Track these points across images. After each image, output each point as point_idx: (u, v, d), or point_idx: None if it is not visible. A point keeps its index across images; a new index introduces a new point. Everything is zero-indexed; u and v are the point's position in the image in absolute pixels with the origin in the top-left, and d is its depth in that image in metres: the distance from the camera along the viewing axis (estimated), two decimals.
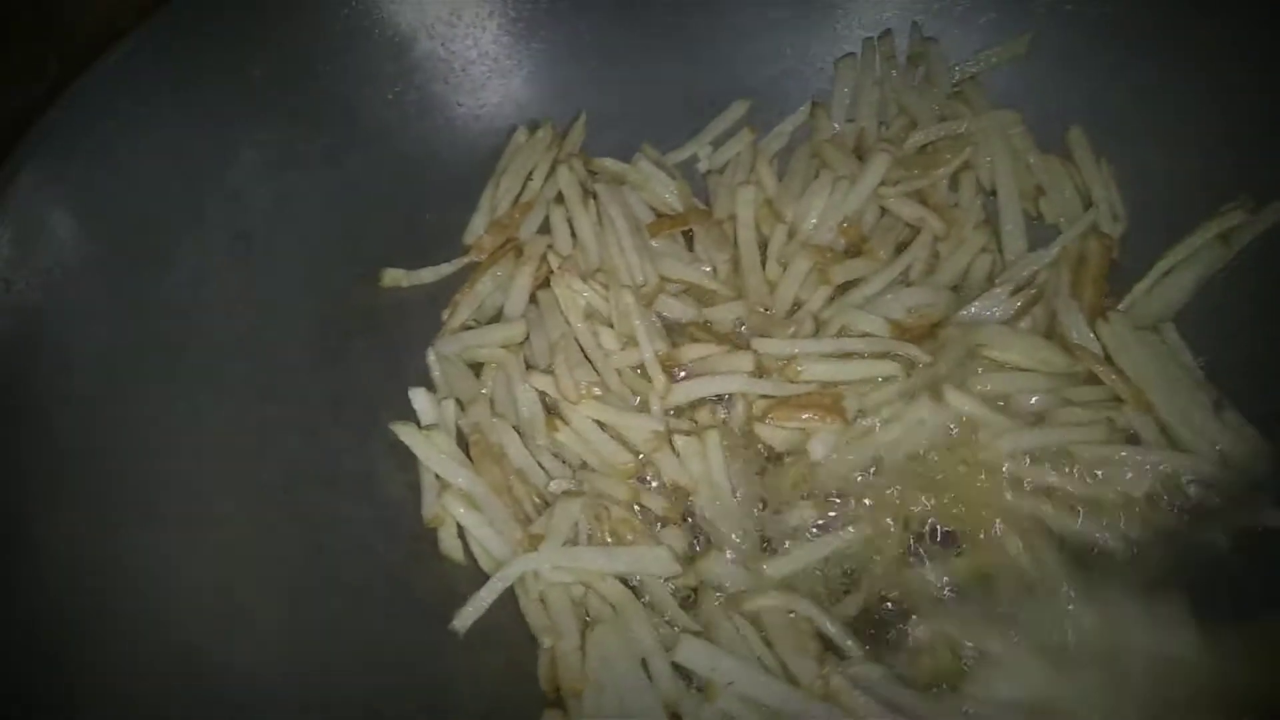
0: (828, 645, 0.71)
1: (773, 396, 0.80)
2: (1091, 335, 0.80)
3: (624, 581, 0.75)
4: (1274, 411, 0.77)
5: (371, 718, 0.67)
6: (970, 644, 0.69)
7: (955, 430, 0.78)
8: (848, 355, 0.81)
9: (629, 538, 0.75)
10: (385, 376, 0.83)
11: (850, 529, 0.76)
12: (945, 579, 0.75)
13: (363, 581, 0.73)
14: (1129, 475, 0.76)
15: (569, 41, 0.93)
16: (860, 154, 0.93)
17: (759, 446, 0.81)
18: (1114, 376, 0.78)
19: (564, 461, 0.81)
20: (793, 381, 0.80)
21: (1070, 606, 0.70)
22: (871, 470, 0.79)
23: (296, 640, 0.68)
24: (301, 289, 0.81)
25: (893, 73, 0.95)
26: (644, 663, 0.70)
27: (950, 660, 0.70)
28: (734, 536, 0.76)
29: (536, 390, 0.82)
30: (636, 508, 0.78)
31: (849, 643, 0.71)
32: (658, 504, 0.78)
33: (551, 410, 0.82)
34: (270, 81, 0.80)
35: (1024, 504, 0.76)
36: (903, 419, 0.78)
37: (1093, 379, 0.80)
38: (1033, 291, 0.85)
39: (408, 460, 0.79)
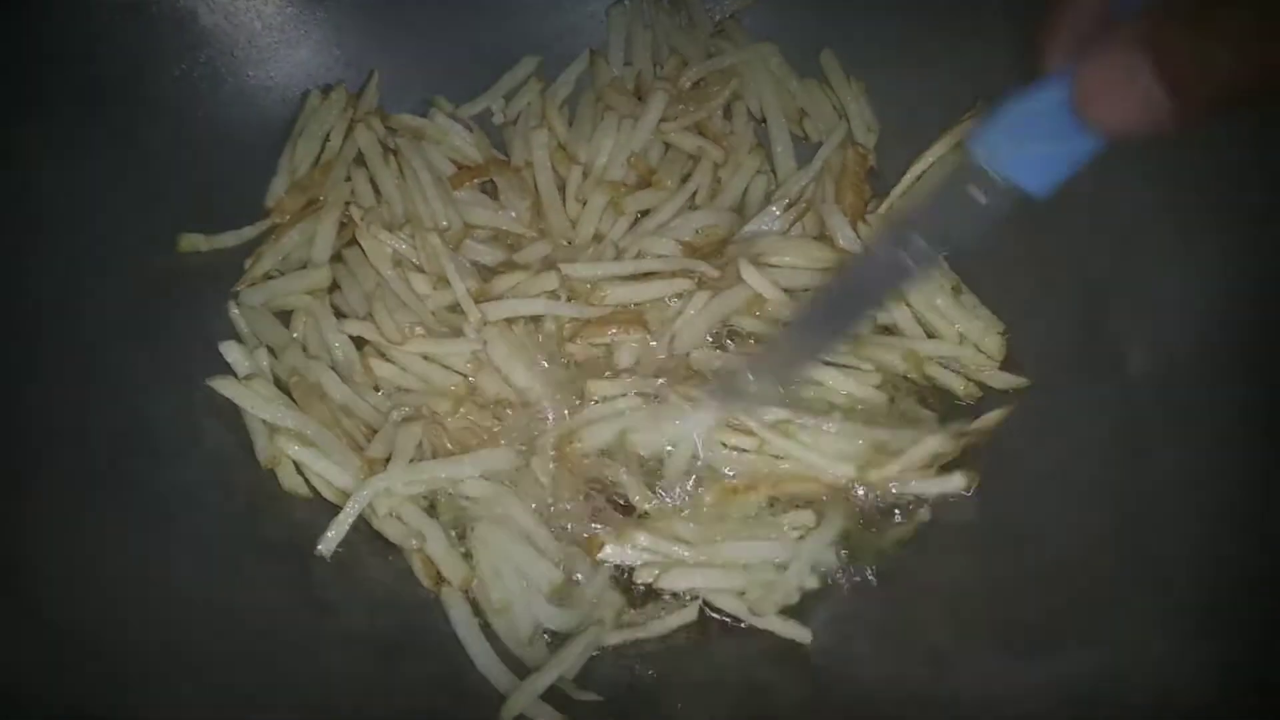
0: None
1: (579, 319, 0.86)
2: (854, 236, 0.90)
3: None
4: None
5: (249, 664, 0.68)
6: None
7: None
8: (646, 275, 0.88)
9: (473, 443, 0.81)
10: (199, 341, 0.84)
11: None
12: None
13: (205, 540, 0.74)
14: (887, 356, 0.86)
15: (354, 7, 0.96)
16: (640, 94, 1.00)
17: (572, 362, 0.87)
18: None
19: (381, 392, 0.85)
20: (595, 305, 0.86)
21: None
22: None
23: (148, 615, 0.67)
24: (104, 267, 0.81)
25: (660, 16, 1.02)
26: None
27: None
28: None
29: (350, 335, 0.86)
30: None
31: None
32: (480, 416, 0.83)
33: (363, 349, 0.86)
34: (48, 64, 0.80)
35: None
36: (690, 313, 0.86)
37: None
38: (803, 204, 0.94)
39: (233, 416, 0.81)
